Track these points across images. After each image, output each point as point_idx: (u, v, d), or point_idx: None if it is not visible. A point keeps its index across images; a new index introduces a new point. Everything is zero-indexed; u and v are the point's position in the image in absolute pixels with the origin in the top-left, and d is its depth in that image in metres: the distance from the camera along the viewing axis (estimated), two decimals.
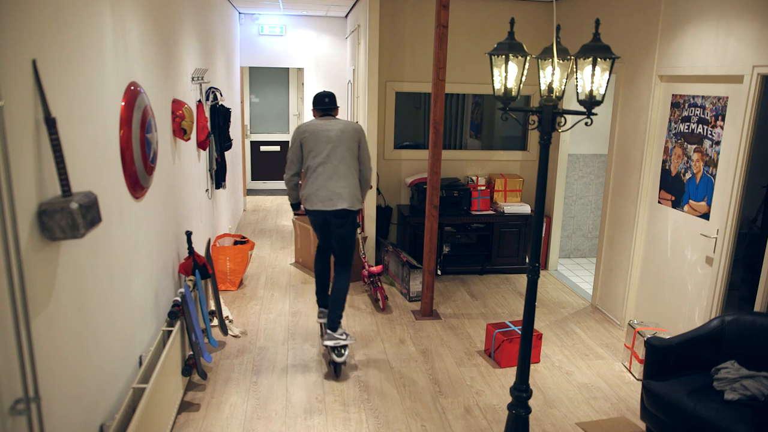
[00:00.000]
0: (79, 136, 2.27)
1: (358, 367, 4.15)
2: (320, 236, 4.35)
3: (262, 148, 10.39)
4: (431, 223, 4.94)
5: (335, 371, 4.01)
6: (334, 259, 4.32)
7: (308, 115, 8.51)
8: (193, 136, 4.60)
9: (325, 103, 4.12)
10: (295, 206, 4.36)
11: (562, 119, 2.71)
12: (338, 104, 4.24)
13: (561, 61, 2.64)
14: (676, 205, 4.33)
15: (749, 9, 3.59)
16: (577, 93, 2.74)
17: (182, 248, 4.18)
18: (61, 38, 2.12)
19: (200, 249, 4.70)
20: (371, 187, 4.32)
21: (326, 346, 4.06)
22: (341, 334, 4.01)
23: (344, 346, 3.97)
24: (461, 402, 3.76)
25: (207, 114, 5.17)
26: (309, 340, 4.53)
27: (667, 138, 4.44)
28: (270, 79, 10.24)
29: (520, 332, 4.09)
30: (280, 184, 10.37)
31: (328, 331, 4.03)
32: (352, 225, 4.14)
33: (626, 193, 4.91)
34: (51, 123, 1.95)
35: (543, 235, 6.34)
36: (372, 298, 5.40)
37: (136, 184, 2.98)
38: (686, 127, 4.22)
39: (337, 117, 4.15)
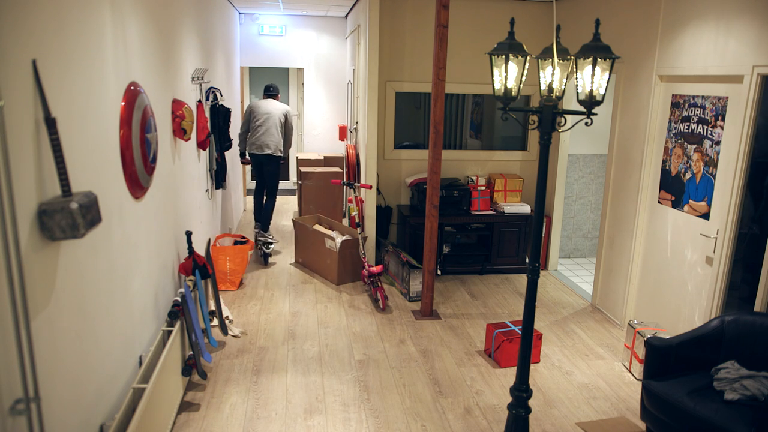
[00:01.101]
0: (79, 136, 2.27)
1: (358, 367, 4.15)
2: (257, 175, 6.67)
3: None
4: (431, 223, 4.94)
5: (264, 261, 6.23)
6: (266, 190, 6.71)
7: (309, 114, 9.25)
8: (193, 136, 4.60)
9: (270, 91, 6.65)
10: (242, 155, 6.71)
11: (562, 119, 2.71)
12: (279, 92, 6.72)
13: (561, 61, 2.64)
14: (676, 205, 4.33)
15: (749, 9, 3.59)
16: (577, 93, 2.74)
17: (182, 248, 4.18)
18: (61, 38, 2.12)
19: (200, 249, 4.71)
20: (290, 147, 6.74)
21: (260, 240, 6.25)
22: (269, 234, 6.34)
23: (270, 243, 6.24)
24: (461, 402, 3.76)
25: (207, 114, 5.17)
26: (309, 340, 4.53)
27: (667, 138, 4.44)
28: (270, 79, 10.22)
29: (520, 332, 4.09)
30: (281, 184, 10.37)
31: (261, 231, 6.45)
32: (276, 166, 6.60)
33: (626, 193, 4.91)
34: (51, 123, 1.95)
35: (543, 235, 6.34)
36: (372, 298, 5.40)
37: (136, 184, 2.98)
38: (686, 127, 4.22)
39: (276, 100, 6.59)
